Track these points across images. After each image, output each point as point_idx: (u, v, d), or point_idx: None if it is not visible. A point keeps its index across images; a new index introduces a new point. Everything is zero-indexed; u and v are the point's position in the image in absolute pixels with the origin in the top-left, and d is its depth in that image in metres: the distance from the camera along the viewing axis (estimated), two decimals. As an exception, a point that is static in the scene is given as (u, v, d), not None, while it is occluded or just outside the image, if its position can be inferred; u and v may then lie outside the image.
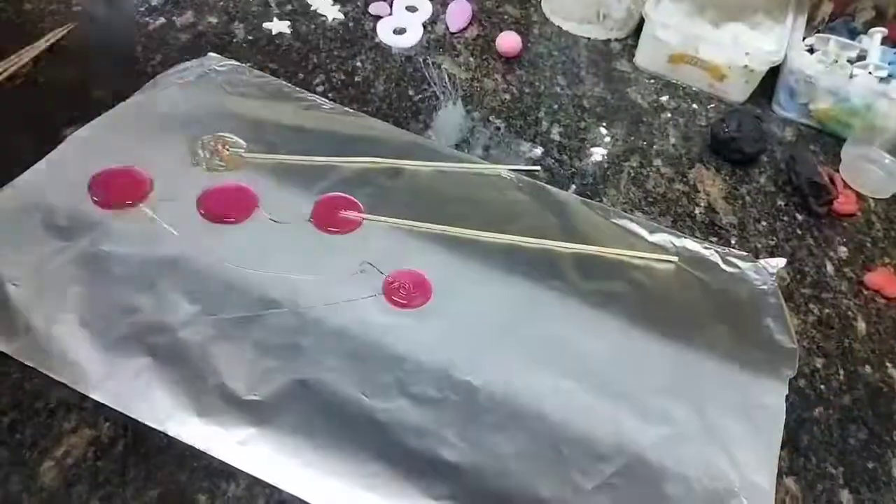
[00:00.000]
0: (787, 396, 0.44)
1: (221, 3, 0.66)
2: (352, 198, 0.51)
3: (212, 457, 0.37)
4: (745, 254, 0.52)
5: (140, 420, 0.38)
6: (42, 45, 0.57)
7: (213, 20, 0.64)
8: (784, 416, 0.43)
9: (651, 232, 0.53)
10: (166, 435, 0.37)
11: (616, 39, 0.71)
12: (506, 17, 0.72)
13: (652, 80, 0.67)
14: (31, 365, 0.39)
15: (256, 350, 0.42)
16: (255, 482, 0.37)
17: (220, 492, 0.36)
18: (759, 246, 0.54)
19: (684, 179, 0.58)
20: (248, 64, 0.60)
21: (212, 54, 0.60)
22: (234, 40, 0.62)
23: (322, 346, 0.43)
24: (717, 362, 0.46)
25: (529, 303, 0.47)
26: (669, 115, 0.64)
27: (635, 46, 0.68)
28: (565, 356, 0.45)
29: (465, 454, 0.39)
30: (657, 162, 0.59)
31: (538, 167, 0.57)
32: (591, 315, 0.47)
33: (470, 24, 0.70)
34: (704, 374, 0.45)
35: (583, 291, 0.48)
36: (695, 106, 0.65)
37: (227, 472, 0.37)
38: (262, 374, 0.41)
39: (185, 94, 0.56)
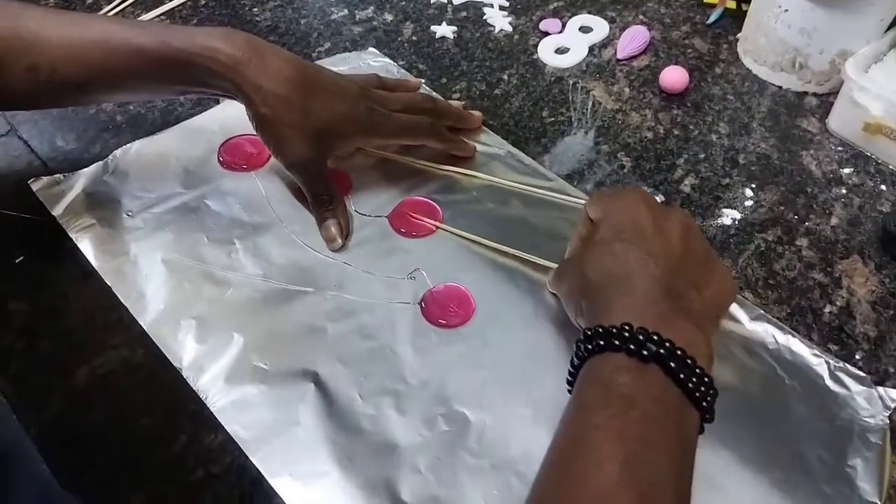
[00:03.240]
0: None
1: (402, 3, 0.70)
2: (435, 205, 0.51)
3: (204, 404, 0.40)
4: (863, 375, 0.42)
5: (164, 350, 0.42)
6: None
7: (389, 17, 0.68)
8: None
9: (753, 318, 0.45)
10: (179, 372, 0.42)
11: (814, 94, 0.61)
12: (689, 50, 0.65)
13: (840, 148, 0.57)
14: (109, 284, 0.46)
15: (285, 323, 0.44)
16: (230, 440, 0.39)
17: (198, 438, 0.40)
18: (892, 370, 0.43)
19: (828, 270, 0.48)
20: (401, 63, 0.63)
21: (371, 49, 0.64)
22: (399, 38, 0.66)
23: (344, 338, 0.44)
24: (765, 490, 0.38)
25: (565, 358, 0.43)
26: (845, 191, 0.53)
27: (832, 105, 0.58)
28: (581, 424, 0.40)
29: (427, 486, 0.38)
30: (802, 242, 0.50)
31: (650, 217, 0.51)
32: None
33: (643, 52, 0.65)
34: (742, 496, 0.38)
35: (633, 361, 0.43)
36: (882, 187, 0.53)
37: (212, 423, 0.40)
38: (279, 346, 0.43)
39: (332, 81, 0.60)
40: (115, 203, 0.50)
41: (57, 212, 0.49)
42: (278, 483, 0.38)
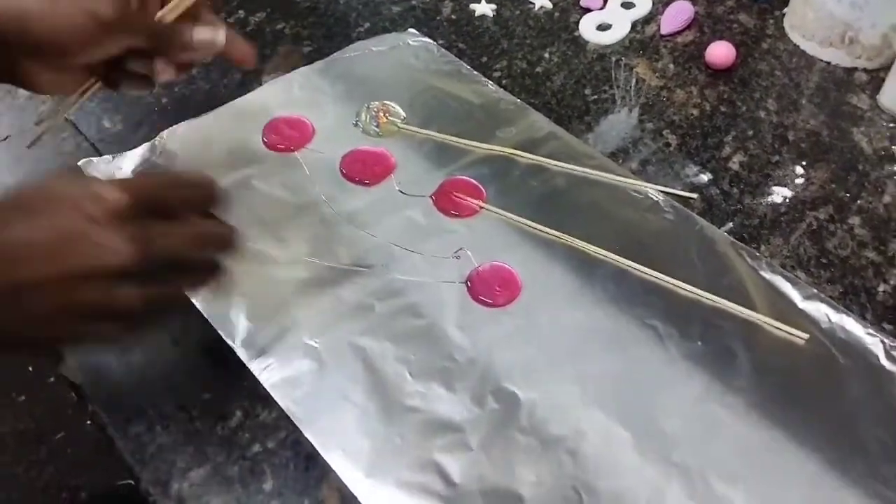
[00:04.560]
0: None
1: (441, -18, 0.69)
2: (478, 184, 0.51)
3: (257, 380, 0.41)
4: (920, 354, 0.41)
5: (217, 328, 0.43)
6: None
7: (427, -4, 0.68)
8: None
9: (805, 297, 0.44)
10: (233, 350, 0.42)
11: (864, 70, 0.59)
12: (734, 25, 0.64)
13: (892, 125, 0.55)
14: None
15: (334, 301, 0.45)
16: (283, 415, 0.40)
17: (253, 413, 0.40)
18: (950, 351, 0.42)
19: (882, 248, 0.47)
20: (441, 42, 0.62)
21: (411, 30, 0.63)
22: (438, 17, 0.65)
23: (391, 316, 0.44)
24: (818, 469, 0.38)
25: (615, 336, 0.43)
26: (897, 168, 0.52)
27: (884, 80, 0.56)
28: (630, 403, 0.40)
29: (477, 464, 0.38)
30: (854, 220, 0.49)
31: (696, 195, 0.51)
32: (681, 369, 0.41)
33: (687, 28, 0.64)
34: (794, 476, 0.37)
35: (683, 341, 0.43)
36: (938, 163, 0.52)
37: (266, 399, 0.41)
38: (328, 324, 0.44)
39: (373, 62, 0.60)
40: (164, 184, 0.51)
41: (107, 192, 0.50)
42: (332, 457, 0.38)
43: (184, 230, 0.35)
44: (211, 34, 0.44)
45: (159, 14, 0.43)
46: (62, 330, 0.32)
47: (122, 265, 0.31)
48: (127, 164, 0.52)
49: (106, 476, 1.22)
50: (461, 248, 0.47)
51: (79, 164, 0.52)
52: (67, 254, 0.30)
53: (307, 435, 0.39)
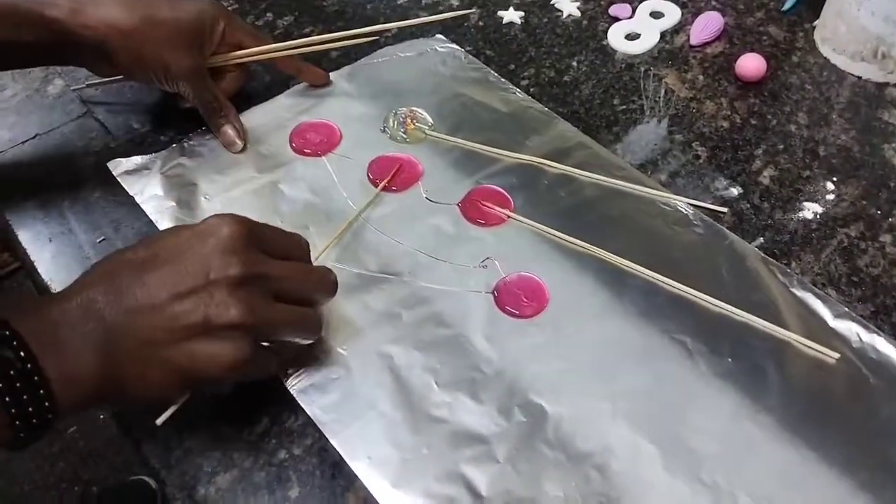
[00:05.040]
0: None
1: (468, -13, 0.69)
2: (505, 193, 0.51)
3: (284, 385, 0.41)
4: (955, 377, 0.41)
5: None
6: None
7: (455, 2, 0.67)
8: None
9: (836, 316, 0.44)
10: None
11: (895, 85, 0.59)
12: (764, 37, 0.63)
13: (925, 141, 0.55)
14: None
15: (361, 308, 0.45)
16: (310, 422, 0.40)
17: (280, 419, 0.40)
18: None
19: (915, 267, 0.47)
20: (468, 49, 0.62)
21: (438, 36, 0.63)
22: (466, 24, 0.65)
23: (418, 325, 0.44)
24: (849, 490, 0.37)
25: (644, 351, 0.43)
26: (931, 185, 0.52)
27: (916, 95, 0.56)
28: (660, 419, 0.40)
29: (504, 477, 0.38)
30: (886, 238, 0.49)
31: (726, 209, 0.50)
32: (711, 386, 0.41)
33: (717, 38, 0.63)
34: (825, 498, 0.37)
35: (713, 357, 0.42)
36: (972, 182, 0.51)
37: (293, 405, 0.40)
38: (356, 331, 0.44)
39: (400, 67, 0.60)
40: (192, 186, 0.51)
41: (136, 193, 0.51)
42: (358, 466, 0.38)
43: (289, 264, 0.39)
44: (234, 138, 0.54)
45: (220, 62, 0.54)
46: (176, 354, 0.35)
47: (230, 277, 0.35)
48: (156, 165, 0.52)
49: (117, 471, 1.23)
50: (488, 258, 0.47)
51: (108, 164, 0.52)
52: (184, 273, 0.35)
53: (334, 443, 0.39)
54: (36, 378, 0.32)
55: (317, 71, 0.58)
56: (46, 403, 0.32)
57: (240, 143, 0.53)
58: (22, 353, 0.32)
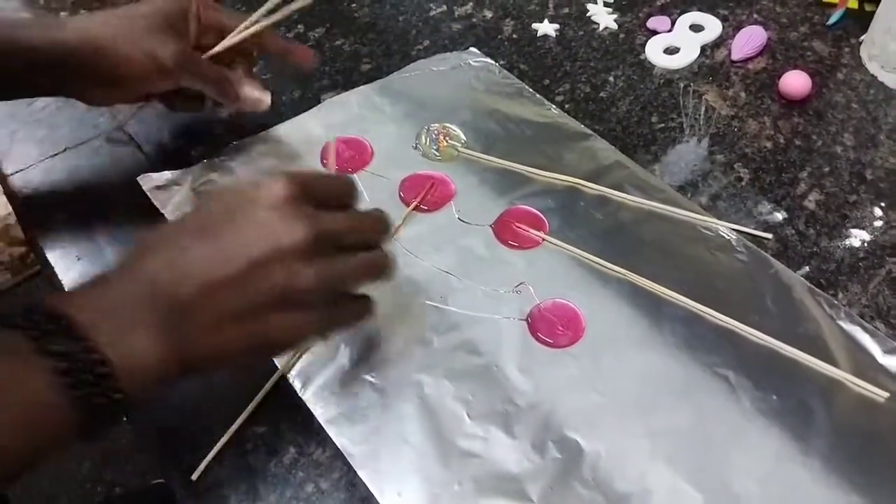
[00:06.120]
0: None
1: (502, -1, 0.68)
2: (540, 215, 0.49)
3: (312, 414, 0.40)
4: None
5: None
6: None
7: (489, 14, 0.66)
8: None
9: (886, 351, 0.42)
10: (284, 377, 0.41)
11: (950, 104, 0.56)
12: (808, 53, 0.61)
13: (980, 164, 0.52)
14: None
15: (391, 334, 0.44)
16: (338, 453, 0.39)
17: (308, 450, 0.39)
18: None
19: (970, 300, 0.45)
20: (502, 62, 0.61)
21: (472, 49, 0.62)
22: (500, 36, 0.64)
23: (449, 352, 0.43)
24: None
25: (685, 385, 0.41)
26: None
27: (971, 117, 0.53)
28: (702, 460, 0.38)
29: (540, 517, 0.37)
30: (939, 268, 0.46)
31: (771, 235, 0.48)
32: (755, 424, 0.39)
33: (759, 54, 0.61)
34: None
35: (757, 393, 0.40)
36: None
37: (321, 436, 0.40)
38: (386, 359, 0.43)
39: (433, 82, 0.59)
40: (222, 203, 0.50)
41: (167, 209, 0.50)
42: (388, 502, 0.37)
43: (345, 214, 0.38)
44: (259, 95, 0.51)
45: (213, 50, 0.50)
46: (256, 327, 0.34)
47: (299, 243, 0.34)
48: (187, 181, 0.51)
49: (140, 474, 1.24)
50: (522, 283, 0.46)
51: (138, 178, 0.52)
52: (252, 244, 0.33)
53: (362, 476, 0.38)
54: (100, 369, 0.30)
55: (305, 50, 0.54)
56: (115, 395, 0.31)
57: (267, 98, 0.51)
58: (84, 344, 0.30)
